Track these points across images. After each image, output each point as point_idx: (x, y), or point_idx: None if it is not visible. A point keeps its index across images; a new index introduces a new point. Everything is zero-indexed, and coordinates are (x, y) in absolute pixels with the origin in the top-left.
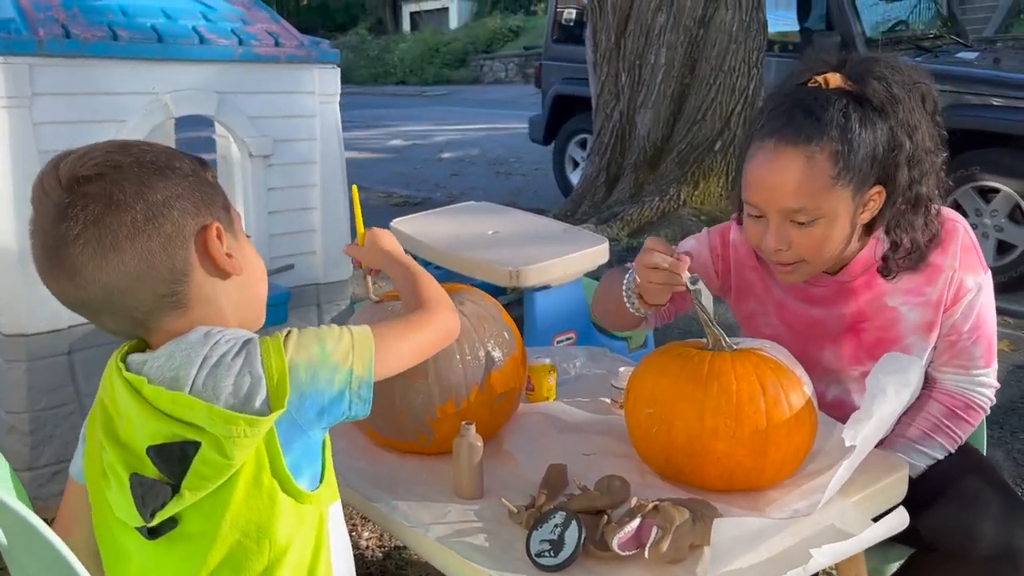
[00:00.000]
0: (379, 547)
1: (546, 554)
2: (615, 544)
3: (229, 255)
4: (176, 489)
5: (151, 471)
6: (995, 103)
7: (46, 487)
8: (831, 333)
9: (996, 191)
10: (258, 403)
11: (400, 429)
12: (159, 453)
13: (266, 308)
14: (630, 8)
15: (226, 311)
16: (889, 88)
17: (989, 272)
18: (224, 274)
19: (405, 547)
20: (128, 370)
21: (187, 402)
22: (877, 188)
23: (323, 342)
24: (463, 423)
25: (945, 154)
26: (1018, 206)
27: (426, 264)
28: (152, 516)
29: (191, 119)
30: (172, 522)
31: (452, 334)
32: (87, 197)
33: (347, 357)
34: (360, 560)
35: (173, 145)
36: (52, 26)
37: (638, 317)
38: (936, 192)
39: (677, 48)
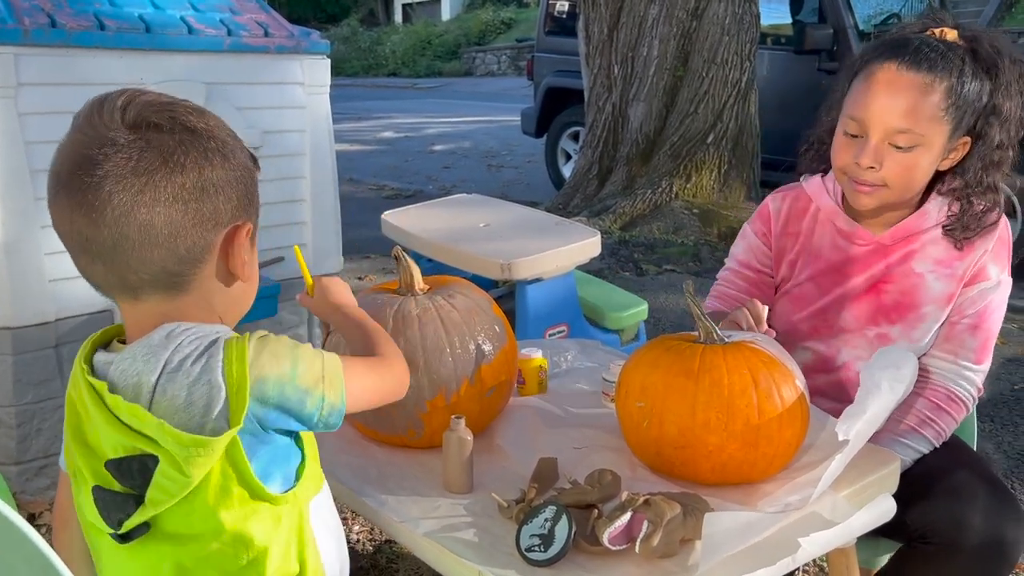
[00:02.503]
0: (370, 541)
1: (536, 548)
2: (606, 538)
3: (244, 260)
4: (140, 500)
5: (113, 484)
6: None
7: (33, 481)
8: (856, 291)
9: None
10: (215, 415)
11: (389, 423)
12: (118, 467)
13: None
14: (622, 0)
15: (216, 309)
16: (999, 53)
17: (1010, 277)
18: (230, 277)
19: (396, 541)
20: (93, 371)
21: (143, 417)
22: (965, 139)
23: (296, 361)
24: (453, 417)
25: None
26: (1009, 200)
27: (418, 257)
28: (119, 525)
29: None
30: (144, 526)
31: (404, 389)
32: (150, 144)
33: (318, 383)
34: (351, 554)
35: None
36: (38, 15)
37: None
38: (1010, 167)
39: (670, 40)
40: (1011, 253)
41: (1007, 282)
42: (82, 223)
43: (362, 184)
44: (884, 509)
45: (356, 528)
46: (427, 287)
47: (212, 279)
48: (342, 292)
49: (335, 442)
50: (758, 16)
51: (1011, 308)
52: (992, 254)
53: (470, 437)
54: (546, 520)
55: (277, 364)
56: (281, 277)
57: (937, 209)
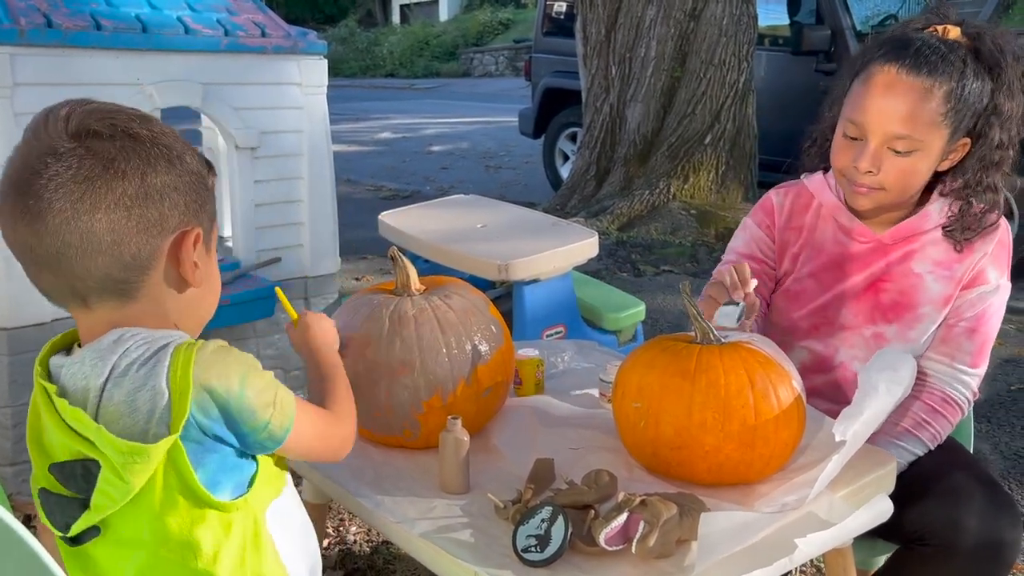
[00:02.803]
0: (367, 542)
1: (532, 549)
2: (602, 539)
3: (196, 265)
4: (86, 504)
5: (59, 487)
6: None
7: (29, 482)
8: (855, 289)
9: None
10: (155, 421)
11: (386, 423)
12: (61, 471)
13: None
14: (620, 1)
15: (170, 316)
16: (1002, 52)
17: (1009, 282)
18: (182, 283)
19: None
20: (48, 374)
21: (85, 421)
22: (965, 140)
23: (246, 379)
24: (449, 417)
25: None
26: (1006, 201)
27: (415, 258)
28: (66, 528)
29: (177, 111)
30: (94, 530)
31: (343, 454)
32: (90, 152)
33: (267, 408)
34: (348, 555)
35: None
36: (34, 15)
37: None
38: (1010, 168)
39: (667, 41)
40: (1011, 257)
41: (1006, 286)
42: (25, 232)
43: (359, 185)
44: (881, 510)
45: (353, 529)
46: (423, 287)
47: (162, 285)
48: (322, 334)
49: None
50: (756, 17)
51: (1009, 309)
52: (992, 257)
53: (466, 438)
54: (542, 521)
55: (226, 378)
56: (278, 278)
57: (938, 211)
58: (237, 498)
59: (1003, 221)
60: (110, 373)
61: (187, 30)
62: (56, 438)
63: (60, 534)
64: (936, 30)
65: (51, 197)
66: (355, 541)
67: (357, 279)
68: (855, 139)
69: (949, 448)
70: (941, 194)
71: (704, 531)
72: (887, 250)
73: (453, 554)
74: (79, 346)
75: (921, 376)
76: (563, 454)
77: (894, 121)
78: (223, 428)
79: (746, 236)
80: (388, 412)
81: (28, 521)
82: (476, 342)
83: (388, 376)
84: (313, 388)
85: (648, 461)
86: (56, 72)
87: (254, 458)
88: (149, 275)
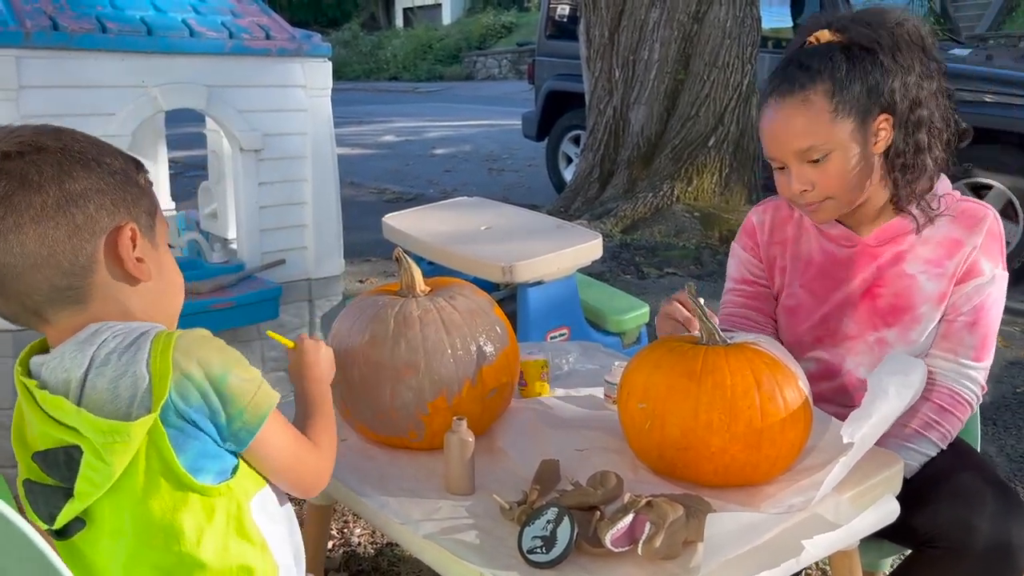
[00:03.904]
0: (371, 544)
1: (538, 551)
2: (608, 540)
3: (140, 259)
4: (70, 493)
5: (43, 476)
6: (988, 100)
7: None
8: (852, 298)
9: (988, 188)
10: (136, 404)
11: (391, 424)
12: (44, 459)
13: (178, 320)
14: (624, 3)
15: (134, 312)
16: (874, 29)
17: (1006, 272)
18: (131, 278)
19: (398, 543)
20: (28, 373)
21: (65, 408)
22: (884, 116)
23: (227, 368)
24: (454, 418)
25: (947, 85)
26: (1011, 203)
27: (419, 260)
28: (52, 520)
29: (182, 114)
30: (79, 523)
31: (313, 487)
32: (2, 172)
33: (245, 396)
34: (353, 557)
35: (164, 140)
36: (39, 18)
37: None
38: (941, 120)
39: (671, 44)
40: (1004, 246)
41: (1002, 276)
42: None
43: (363, 188)
44: (888, 511)
45: (358, 531)
46: (428, 289)
47: (112, 284)
48: (316, 367)
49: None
50: (759, 19)
51: (1016, 312)
52: (983, 249)
53: (471, 439)
54: (548, 522)
55: (207, 363)
56: (283, 280)
57: (919, 211)
58: (220, 483)
59: (989, 211)
60: (90, 363)
61: (192, 33)
62: (38, 429)
63: (46, 527)
64: (811, 41)
65: None
66: (360, 543)
67: (361, 281)
68: (781, 168)
69: (959, 450)
70: (883, 177)
71: (710, 532)
72: (875, 254)
73: (458, 555)
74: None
75: (928, 376)
76: (568, 455)
77: (792, 140)
78: (202, 416)
79: (736, 262)
80: (393, 413)
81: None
82: (481, 343)
83: (393, 377)
84: (297, 418)
85: (654, 462)
86: (61, 74)
87: (234, 455)
88: (93, 277)
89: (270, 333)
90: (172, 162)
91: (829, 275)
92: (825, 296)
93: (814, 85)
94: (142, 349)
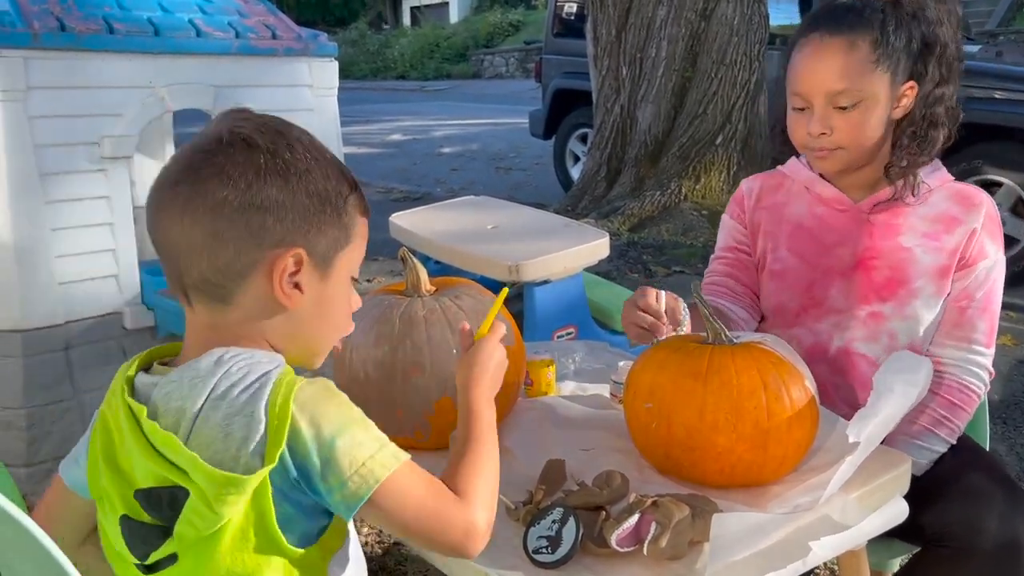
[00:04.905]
0: (378, 543)
1: (544, 551)
2: (613, 540)
3: (297, 286)
4: (168, 532)
5: (142, 515)
6: (998, 96)
7: (43, 483)
8: (842, 267)
9: (999, 184)
10: (251, 449)
11: (396, 424)
12: (147, 498)
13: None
14: (631, 1)
15: (266, 335)
16: None
17: (1002, 254)
18: (275, 303)
19: (404, 543)
20: (134, 392)
21: (177, 448)
22: (910, 83)
23: (341, 431)
24: None
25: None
26: (1020, 200)
27: (426, 259)
28: (146, 557)
29: (190, 114)
30: (171, 558)
31: (465, 548)
32: (209, 157)
33: (351, 463)
34: None
35: (172, 140)
36: (47, 19)
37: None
38: (956, 103)
39: (678, 41)
40: (1002, 230)
41: (1002, 259)
42: (150, 224)
43: (370, 187)
44: (896, 511)
45: (365, 531)
46: (434, 288)
47: (259, 298)
48: (480, 371)
49: None
50: (767, 17)
51: (1022, 309)
52: (986, 231)
53: None
54: (554, 522)
55: (318, 425)
56: None
57: (906, 186)
58: (306, 547)
59: (984, 194)
60: (208, 395)
61: (199, 33)
62: (141, 462)
63: (137, 561)
64: None
65: (165, 196)
66: (366, 542)
67: (368, 280)
68: (802, 109)
69: (968, 448)
70: (893, 145)
71: (716, 532)
72: (867, 222)
73: None
74: (161, 364)
75: (936, 368)
76: (574, 455)
77: (829, 79)
78: (302, 476)
79: (724, 231)
80: (399, 413)
81: None
82: None
83: (399, 377)
84: (452, 451)
85: (660, 462)
86: (69, 75)
87: (329, 512)
88: (244, 284)
89: (504, 293)
90: None
91: (817, 239)
92: (814, 261)
93: (862, 30)
94: (263, 388)
